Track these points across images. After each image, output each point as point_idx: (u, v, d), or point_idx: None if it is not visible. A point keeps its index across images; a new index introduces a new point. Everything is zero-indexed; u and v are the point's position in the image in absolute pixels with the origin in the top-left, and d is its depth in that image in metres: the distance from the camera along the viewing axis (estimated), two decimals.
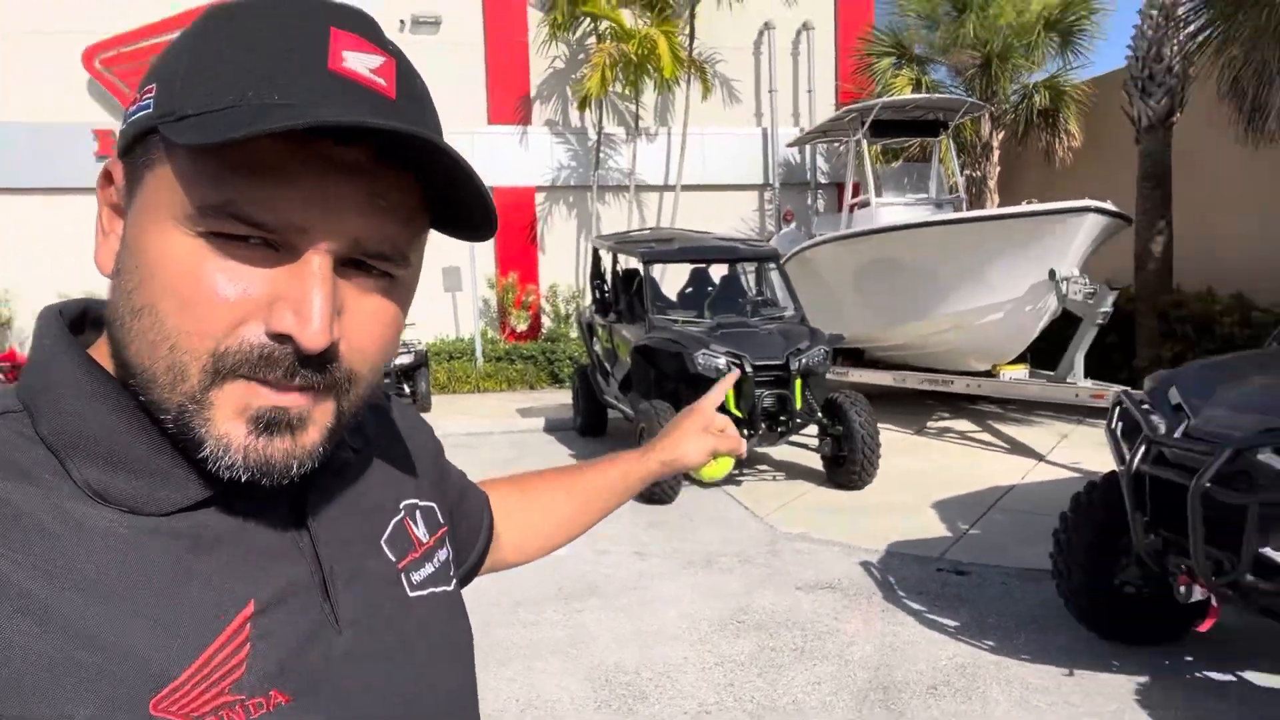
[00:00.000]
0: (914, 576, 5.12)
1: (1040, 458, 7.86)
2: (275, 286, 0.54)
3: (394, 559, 0.70)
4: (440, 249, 6.86)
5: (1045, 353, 9.23)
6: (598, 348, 9.12)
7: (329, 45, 0.55)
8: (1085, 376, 8.42)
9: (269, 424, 0.56)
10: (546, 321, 14.22)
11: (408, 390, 10.84)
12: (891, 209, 10.16)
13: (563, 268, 14.39)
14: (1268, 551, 3.14)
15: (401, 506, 0.74)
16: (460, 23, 13.92)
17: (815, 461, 7.42)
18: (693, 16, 13.49)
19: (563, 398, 11.14)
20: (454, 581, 0.77)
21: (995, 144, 13.05)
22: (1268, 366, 3.88)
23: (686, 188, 14.16)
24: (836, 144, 13.36)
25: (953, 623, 4.45)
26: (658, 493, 6.57)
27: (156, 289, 0.54)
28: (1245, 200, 10.37)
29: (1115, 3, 23.89)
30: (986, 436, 8.93)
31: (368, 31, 0.58)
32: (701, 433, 1.14)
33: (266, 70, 0.53)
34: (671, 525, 6.18)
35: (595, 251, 9.69)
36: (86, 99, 12.94)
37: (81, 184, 12.78)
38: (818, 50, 15.20)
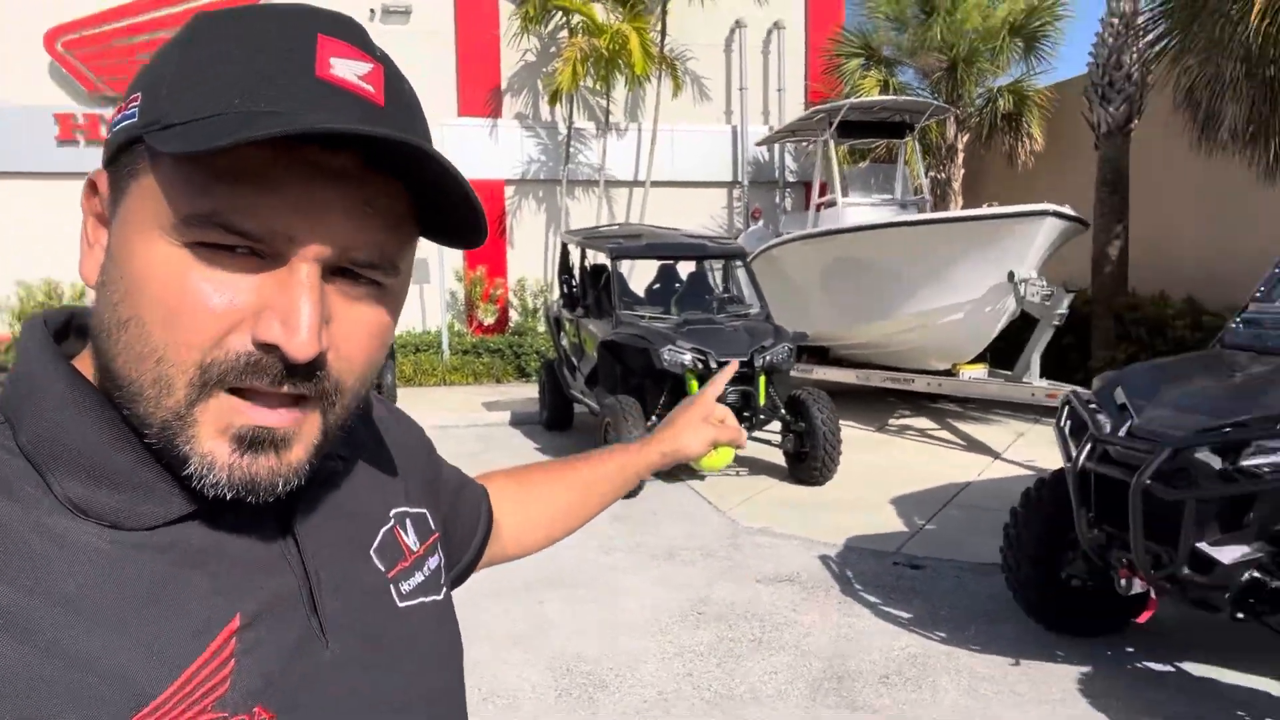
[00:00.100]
0: (871, 570, 5.24)
1: (996, 455, 8.04)
2: (262, 296, 0.53)
3: (383, 569, 0.69)
4: None
5: (1005, 353, 9.42)
6: (565, 342, 9.16)
7: (316, 52, 0.54)
8: (1042, 376, 8.62)
9: (253, 443, 0.55)
10: (514, 315, 14.22)
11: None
12: (857, 209, 10.30)
13: (531, 262, 14.39)
14: (1203, 546, 3.28)
15: (391, 515, 0.73)
16: (431, 13, 13.86)
17: (778, 457, 7.53)
18: (664, 13, 13.54)
19: (529, 391, 11.16)
20: (444, 590, 0.76)
21: (960, 146, 13.26)
22: (1210, 368, 4.03)
23: (656, 184, 14.22)
24: (805, 143, 13.49)
25: (906, 615, 4.56)
26: None
27: (142, 301, 0.53)
28: (1199, 207, 10.65)
29: (1078, 10, 24.33)
30: (946, 434, 9.10)
31: (355, 38, 0.57)
32: (702, 423, 1.13)
33: (253, 77, 0.53)
34: (636, 519, 6.25)
35: (564, 246, 9.72)
36: (48, 82, 12.71)
37: (42, 168, 12.57)
38: (788, 49, 15.32)
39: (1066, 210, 8.00)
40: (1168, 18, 8.45)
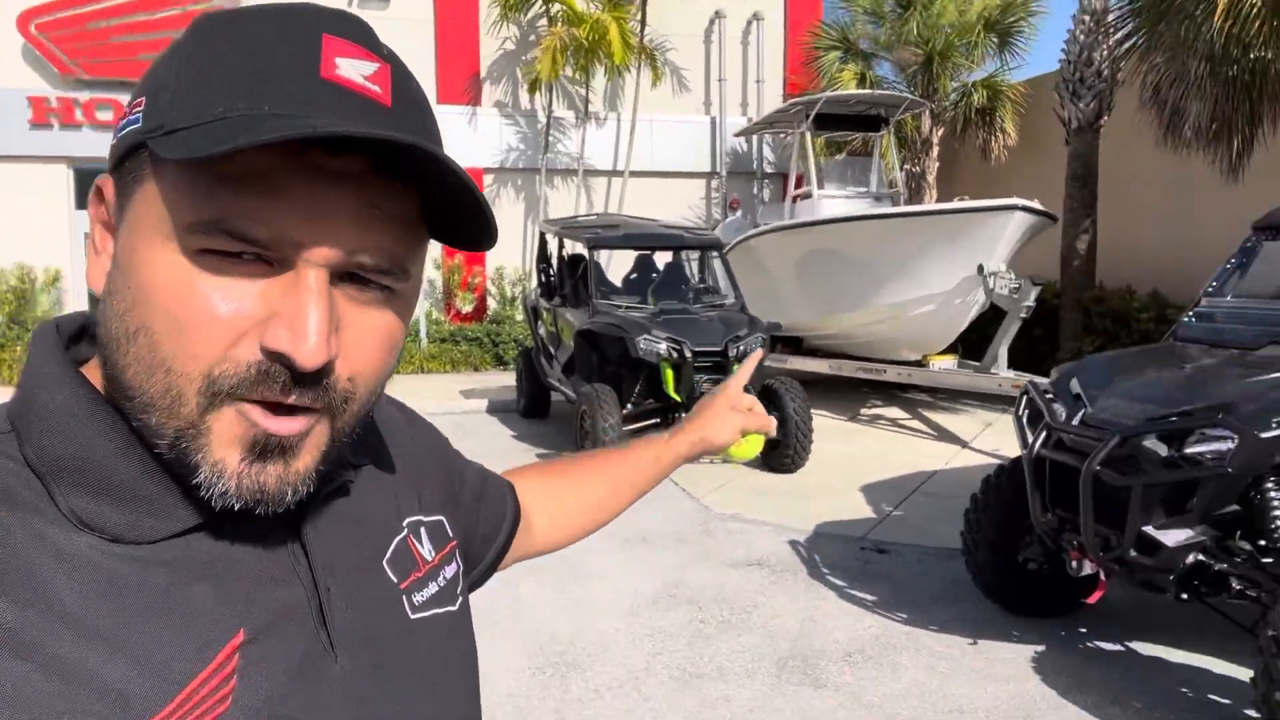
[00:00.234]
0: (838, 555, 5.38)
1: (964, 444, 8.22)
2: (269, 303, 0.52)
3: (396, 580, 0.68)
4: None
5: (976, 344, 9.61)
6: (542, 331, 9.25)
7: (321, 52, 0.53)
8: (1011, 367, 8.81)
9: (262, 451, 0.54)
10: (492, 304, 14.26)
11: None
12: (832, 201, 10.45)
13: (509, 250, 14.43)
14: (1149, 530, 3.43)
15: (405, 524, 0.72)
16: (410, 0, 13.83)
17: None
18: (644, 3, 13.58)
19: (506, 380, 11.24)
20: (460, 600, 0.75)
21: (935, 140, 13.42)
22: (1161, 360, 4.18)
23: (635, 174, 14.29)
24: (783, 135, 13.61)
25: (871, 597, 4.71)
26: None
27: (150, 311, 0.52)
28: (1165, 203, 10.87)
29: (1052, 6, 24.56)
30: (916, 423, 9.28)
31: (361, 37, 0.56)
32: (730, 411, 1.11)
33: (257, 80, 0.52)
34: None
35: (542, 235, 9.79)
36: (21, 65, 12.57)
37: (15, 152, 12.46)
38: (767, 41, 15.41)
39: (1035, 205, 8.17)
40: (1136, 16, 8.61)
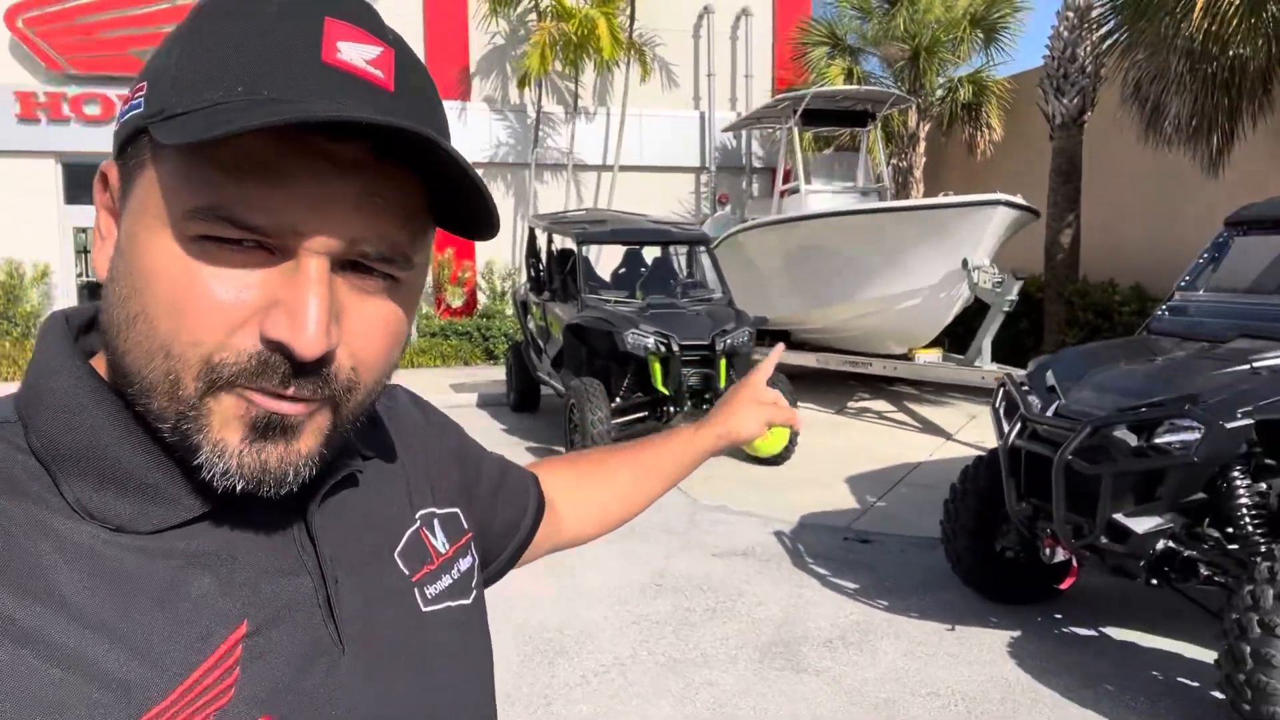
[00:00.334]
0: (822, 545, 5.48)
1: (948, 436, 8.34)
2: (269, 291, 0.52)
3: (407, 572, 0.67)
4: None
5: (963, 337, 9.73)
6: (531, 325, 9.32)
7: (323, 36, 0.53)
8: (996, 360, 8.92)
9: (264, 429, 0.54)
10: (482, 298, 14.32)
11: None
12: (819, 196, 10.54)
13: (499, 245, 14.47)
14: (1119, 517, 3.54)
15: (418, 516, 0.71)
16: None
17: None
18: None
19: (496, 374, 11.31)
20: (474, 593, 0.74)
21: (922, 135, 13.52)
22: (1134, 353, 4.29)
23: (624, 168, 14.35)
24: (771, 130, 13.69)
25: (853, 585, 4.81)
26: None
27: (149, 296, 0.52)
28: (1148, 197, 11.01)
29: (1036, 2, 24.66)
30: (901, 416, 9.40)
31: (365, 21, 0.55)
32: (755, 405, 1.11)
33: (257, 64, 0.51)
34: None
35: (531, 230, 9.85)
36: (8, 59, 12.54)
37: (2, 147, 12.45)
38: (755, 36, 15.48)
39: (1018, 200, 8.28)
40: (1118, 13, 8.72)
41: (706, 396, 7.28)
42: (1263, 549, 3.28)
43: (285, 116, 0.48)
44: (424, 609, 0.67)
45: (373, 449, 0.70)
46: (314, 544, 0.61)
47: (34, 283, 12.65)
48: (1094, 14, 10.13)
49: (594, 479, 1.07)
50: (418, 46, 13.95)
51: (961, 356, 9.34)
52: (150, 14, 12.69)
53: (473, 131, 14.26)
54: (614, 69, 13.75)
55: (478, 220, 0.58)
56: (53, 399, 0.55)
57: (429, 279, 14.08)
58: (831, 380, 11.02)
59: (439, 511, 0.74)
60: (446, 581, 0.70)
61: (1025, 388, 4.10)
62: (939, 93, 13.48)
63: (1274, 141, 8.97)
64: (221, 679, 0.53)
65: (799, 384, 7.90)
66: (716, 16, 15.28)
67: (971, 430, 8.56)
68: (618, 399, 7.41)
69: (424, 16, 14.03)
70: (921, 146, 13.53)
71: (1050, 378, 4.06)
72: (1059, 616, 4.37)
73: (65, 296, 12.98)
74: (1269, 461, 3.60)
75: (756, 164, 15.50)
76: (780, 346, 1.32)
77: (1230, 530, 3.50)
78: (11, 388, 0.63)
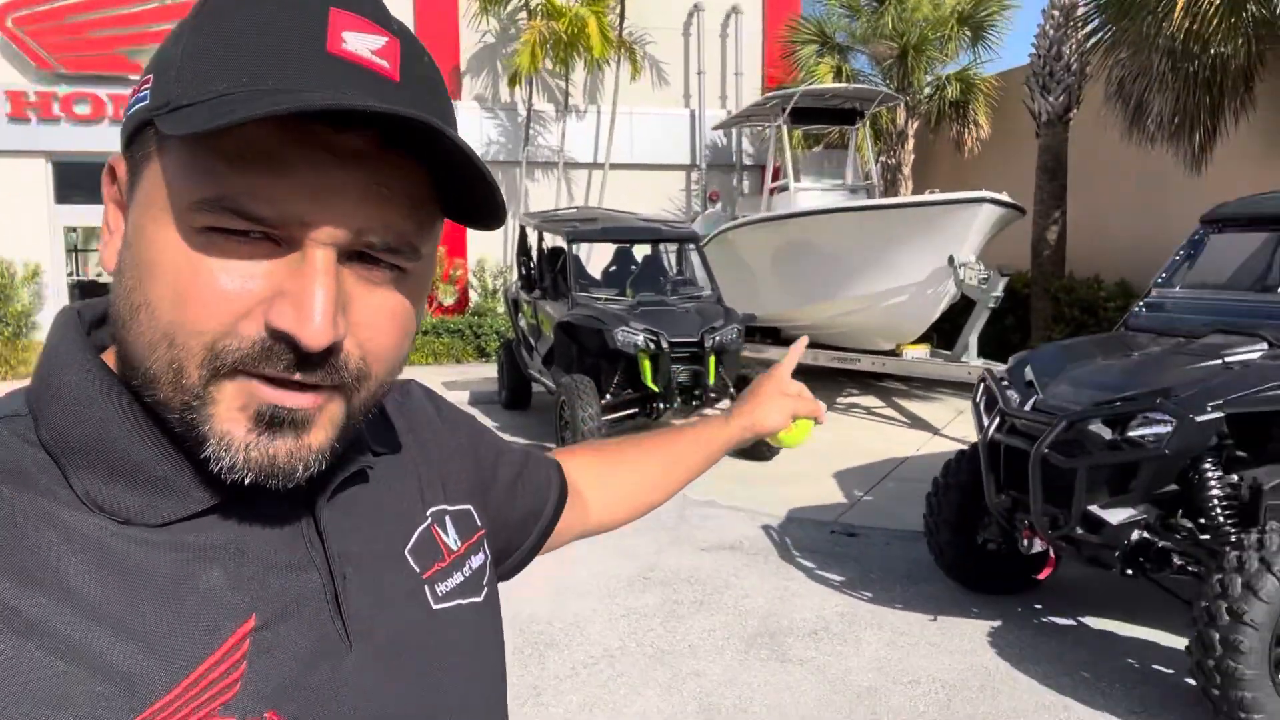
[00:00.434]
0: (809, 538, 5.57)
1: (936, 431, 8.44)
2: (275, 282, 0.52)
3: (418, 569, 0.67)
4: None
5: (950, 334, 9.82)
6: (523, 323, 9.38)
7: (327, 26, 0.53)
8: (982, 356, 9.02)
9: (271, 421, 0.54)
10: (474, 296, 14.37)
11: None
12: (808, 194, 10.62)
13: (490, 243, 14.52)
14: (1094, 509, 3.63)
15: (429, 513, 0.71)
16: None
17: None
18: None
19: (488, 371, 11.37)
20: (485, 590, 0.73)
21: (910, 132, 13.61)
22: (1111, 349, 4.38)
23: (615, 166, 14.42)
24: (760, 128, 13.77)
25: (838, 578, 4.90)
26: None
27: (153, 286, 0.52)
28: (1133, 194, 11.11)
29: (1023, 0, 24.76)
30: (890, 412, 9.50)
31: (371, 11, 0.55)
32: (780, 396, 1.12)
33: (262, 55, 0.51)
34: None
35: (522, 229, 9.91)
36: None
37: None
38: (745, 34, 15.55)
39: (1003, 197, 8.37)
40: (1101, 11, 8.82)
41: (696, 393, 7.37)
42: (1232, 539, 3.38)
43: (288, 105, 0.48)
44: (434, 606, 0.67)
45: (384, 445, 0.69)
46: (323, 539, 0.61)
47: (25, 282, 12.66)
48: (1079, 12, 10.24)
49: (622, 466, 1.07)
50: None
51: (949, 352, 9.44)
52: (139, 13, 12.70)
53: (464, 130, 13.87)
54: (604, 67, 13.81)
55: (484, 209, 0.58)
56: (63, 392, 0.56)
57: None
58: (822, 376, 11.09)
59: (451, 508, 0.74)
60: (457, 579, 0.70)
61: (1005, 383, 4.19)
62: (927, 90, 13.57)
63: (1258, 138, 9.08)
64: (228, 673, 0.53)
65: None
66: (706, 14, 15.34)
67: (959, 425, 8.65)
68: (608, 396, 7.48)
69: (414, 14, 14.06)
70: (910, 144, 13.62)
71: (1029, 373, 4.15)
72: (1039, 607, 4.46)
73: (56, 296, 12.99)
74: (1240, 454, 3.70)
75: (747, 161, 15.58)
76: (804, 341, 1.32)
77: (1202, 521, 3.59)
78: (8, 387, 0.65)
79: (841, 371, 10.69)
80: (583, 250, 9.31)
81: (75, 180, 12.88)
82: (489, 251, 14.44)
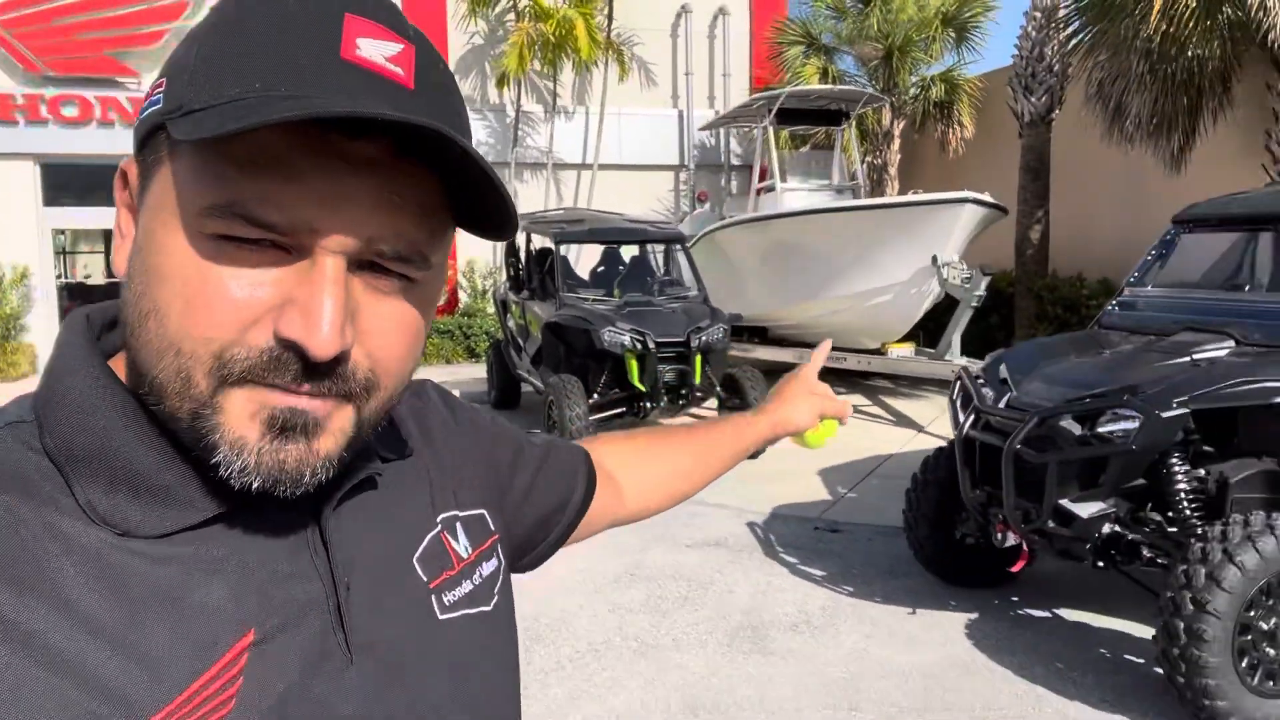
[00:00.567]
0: (793, 535, 5.66)
1: (920, 429, 8.54)
2: (284, 289, 0.52)
3: (426, 578, 0.66)
4: None
5: (935, 333, 9.93)
6: (511, 323, 9.45)
7: (342, 32, 0.52)
8: (966, 354, 9.13)
9: (284, 426, 0.53)
10: (463, 297, 14.43)
11: None
12: (794, 194, 10.73)
13: (480, 244, 14.55)
14: (1065, 503, 3.72)
15: (440, 520, 0.70)
16: None
17: None
18: None
19: (478, 372, 11.43)
20: (495, 599, 0.72)
21: (896, 133, 13.74)
22: (1084, 347, 4.48)
23: (604, 167, 14.50)
24: (747, 128, 13.87)
25: (820, 573, 4.99)
26: None
27: (162, 293, 0.52)
28: (1115, 194, 11.25)
29: (1005, 2, 24.96)
30: (876, 410, 9.60)
31: (386, 17, 0.55)
32: (808, 395, 1.13)
33: (275, 61, 0.51)
34: None
35: None
36: None
37: None
38: (733, 35, 15.66)
39: (985, 198, 8.49)
40: (1081, 14, 8.94)
41: (682, 393, 7.46)
42: (1198, 531, 3.48)
43: (300, 112, 0.47)
44: (440, 616, 0.65)
45: (394, 451, 0.68)
46: (327, 549, 0.60)
47: (13, 285, 12.66)
48: (1060, 14, 10.37)
49: (654, 455, 1.07)
50: None
51: (933, 350, 9.55)
52: (127, 15, 12.72)
53: None
54: (592, 68, 13.89)
55: (495, 219, 0.58)
56: (67, 399, 0.55)
57: None
58: None
59: (463, 514, 0.73)
60: (466, 588, 0.69)
61: (980, 380, 4.29)
62: (912, 91, 13.70)
63: (1237, 138, 9.22)
64: (224, 689, 0.52)
65: (775, 380, 8.06)
66: (694, 16, 15.44)
67: (943, 423, 8.73)
68: (595, 395, 7.56)
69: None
70: (895, 144, 13.75)
71: (1003, 370, 4.24)
72: (1015, 599, 4.56)
73: (45, 298, 13.00)
74: (1207, 449, 3.80)
75: (735, 161, 15.68)
76: (828, 342, 1.33)
77: (1170, 514, 3.70)
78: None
79: (829, 370, 10.76)
80: (570, 251, 9.40)
81: (63, 182, 12.89)
82: (479, 253, 14.50)
